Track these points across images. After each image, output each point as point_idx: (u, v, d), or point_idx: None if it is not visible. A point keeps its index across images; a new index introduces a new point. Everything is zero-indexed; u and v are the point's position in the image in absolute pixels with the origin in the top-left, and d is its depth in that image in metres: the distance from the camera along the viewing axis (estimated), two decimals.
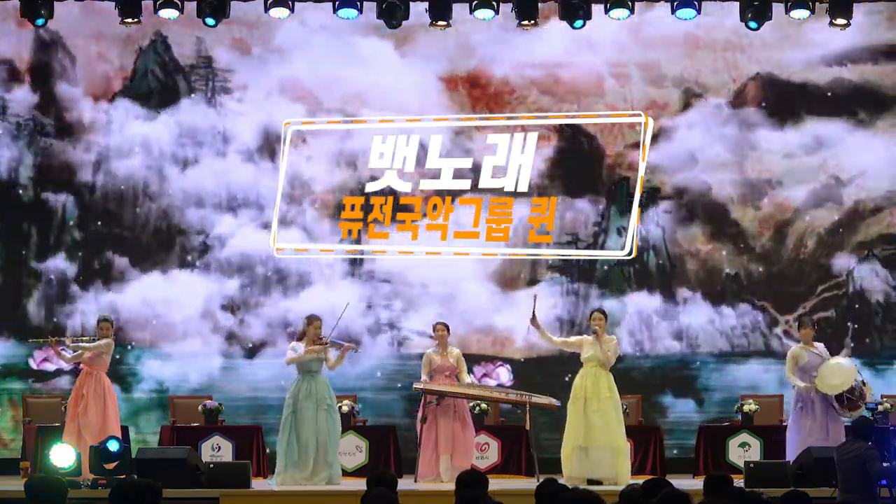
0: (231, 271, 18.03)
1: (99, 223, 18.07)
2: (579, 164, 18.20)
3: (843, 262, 18.11)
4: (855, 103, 18.13)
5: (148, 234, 18.12)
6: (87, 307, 17.80)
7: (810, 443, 14.68)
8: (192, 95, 18.15)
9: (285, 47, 18.07)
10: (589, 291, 18.06)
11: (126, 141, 18.09)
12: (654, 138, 18.06)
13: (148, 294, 17.93)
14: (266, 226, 18.05)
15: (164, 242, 18.10)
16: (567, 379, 15.75)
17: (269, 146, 18.13)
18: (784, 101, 18.14)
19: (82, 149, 18.06)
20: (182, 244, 18.09)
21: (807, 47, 18.06)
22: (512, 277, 18.10)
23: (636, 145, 18.17)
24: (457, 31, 17.65)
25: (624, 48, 18.02)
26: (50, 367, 17.66)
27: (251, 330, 17.97)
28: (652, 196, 18.11)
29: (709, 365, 17.98)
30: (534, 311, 15.06)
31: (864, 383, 14.99)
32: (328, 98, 18.08)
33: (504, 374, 17.73)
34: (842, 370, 14.85)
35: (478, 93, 18.21)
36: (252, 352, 17.89)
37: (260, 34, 18.07)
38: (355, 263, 18.07)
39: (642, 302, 18.03)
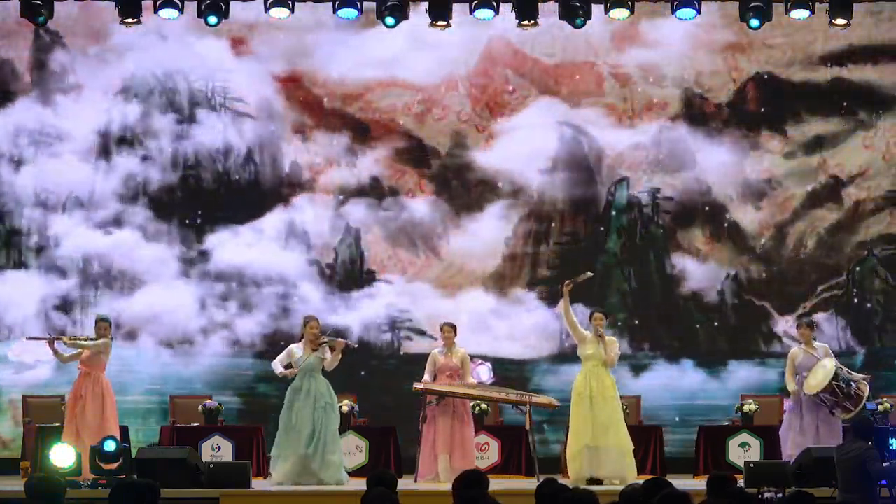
0: (66, 271, 17.98)
1: None
2: (579, 164, 18.20)
3: (843, 262, 18.12)
4: (855, 103, 18.13)
5: None
6: None
7: (800, 442, 14.71)
8: (29, 94, 18.09)
9: (121, 48, 18.03)
10: (422, 291, 18.04)
11: None
12: (495, 138, 18.01)
13: None
14: (101, 225, 18.03)
15: None
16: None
17: (104, 146, 18.09)
18: (784, 101, 18.14)
19: None
20: (16, 244, 18.02)
21: (807, 47, 18.06)
22: (349, 278, 18.07)
23: (636, 145, 18.18)
24: (294, 31, 17.67)
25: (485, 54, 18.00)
26: (28, 359, 17.65)
27: (86, 330, 17.90)
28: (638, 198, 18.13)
29: (541, 366, 17.96)
30: (576, 281, 14.94)
31: (856, 382, 14.88)
32: (164, 98, 18.05)
33: (484, 373, 17.71)
34: (822, 370, 14.84)
35: (317, 91, 18.17)
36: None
37: (96, 34, 17.98)
38: (190, 263, 18.06)
39: (476, 301, 18.02)
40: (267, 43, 18.03)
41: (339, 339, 15.00)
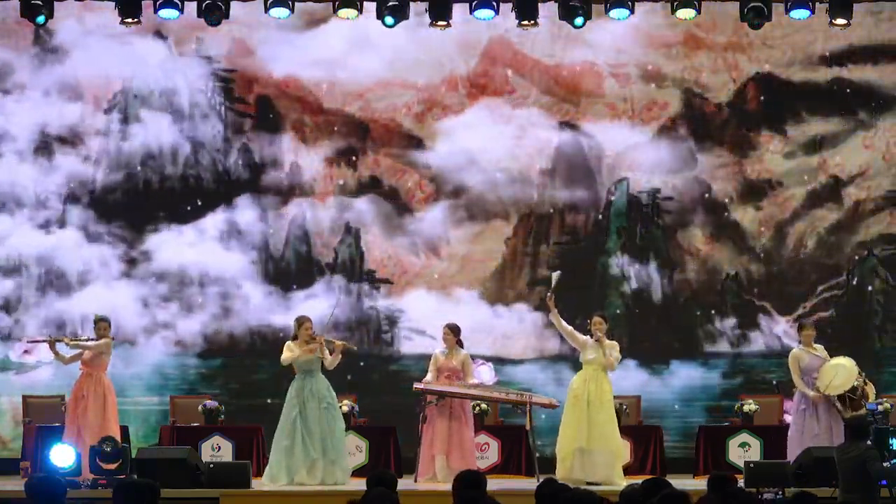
0: (7, 271, 17.95)
1: None
2: (579, 164, 18.20)
3: (843, 262, 18.11)
4: (855, 103, 18.13)
5: None
6: None
7: (813, 442, 14.66)
8: None
9: (63, 47, 18.01)
10: (364, 291, 18.04)
11: None
12: (438, 138, 18.03)
13: None
14: (42, 225, 17.99)
15: None
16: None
17: (46, 146, 18.07)
18: (784, 101, 18.14)
19: None
20: None
21: (807, 47, 18.06)
22: (289, 278, 18.07)
23: (636, 145, 18.19)
24: (236, 31, 17.67)
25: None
26: (30, 359, 17.65)
27: (27, 330, 17.90)
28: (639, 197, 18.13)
29: (541, 366, 17.97)
30: (552, 291, 14.98)
31: (865, 382, 14.96)
32: (105, 98, 18.04)
33: (486, 374, 17.72)
34: (843, 370, 14.83)
35: (260, 91, 18.15)
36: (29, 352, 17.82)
37: (39, 33, 17.93)
38: (132, 263, 18.04)
39: (417, 301, 18.01)
40: (209, 43, 17.99)
41: (339, 341, 15.01)
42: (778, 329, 18.02)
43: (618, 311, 17.91)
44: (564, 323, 15.09)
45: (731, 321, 17.95)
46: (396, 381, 17.71)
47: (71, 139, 18.04)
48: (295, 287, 18.04)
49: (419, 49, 17.98)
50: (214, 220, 18.05)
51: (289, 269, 18.10)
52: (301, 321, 14.95)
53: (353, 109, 18.16)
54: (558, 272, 15.26)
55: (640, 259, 18.15)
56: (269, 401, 16.49)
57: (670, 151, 18.21)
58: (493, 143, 18.16)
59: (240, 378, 17.94)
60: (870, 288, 18.11)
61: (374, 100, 18.13)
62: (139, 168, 18.06)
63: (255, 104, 18.20)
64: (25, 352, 17.57)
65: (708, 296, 18.13)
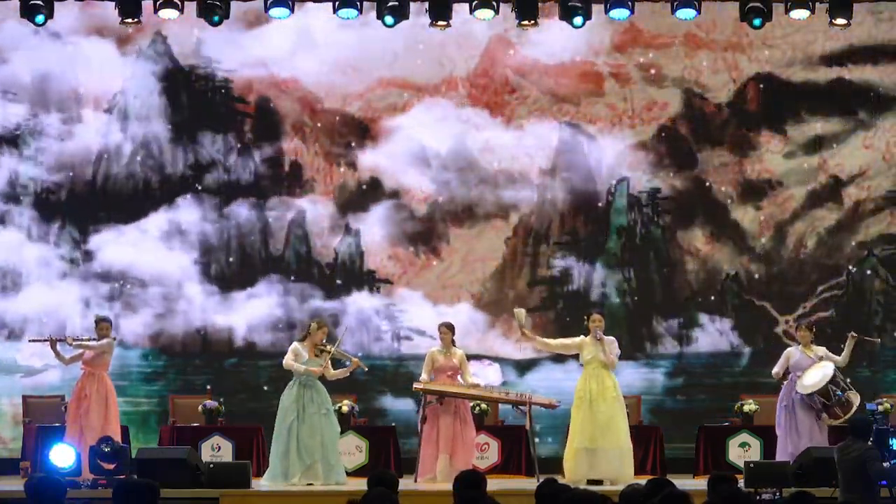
0: None
1: None
2: (579, 164, 18.21)
3: (843, 262, 18.11)
4: (855, 103, 18.13)
5: None
6: None
7: (795, 441, 14.71)
8: None
9: (8, 46, 17.96)
10: (310, 292, 18.03)
11: None
12: (381, 137, 18.03)
13: None
14: None
15: None
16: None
17: None
18: (784, 101, 18.14)
19: None
20: None
21: (807, 47, 18.06)
22: (231, 278, 18.05)
23: (636, 145, 18.19)
24: (180, 30, 17.66)
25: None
26: (38, 363, 17.63)
27: None
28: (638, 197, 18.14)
29: (540, 366, 17.98)
30: (521, 327, 15.08)
31: (848, 389, 14.84)
32: (48, 98, 18.00)
33: (493, 375, 17.74)
34: (819, 373, 14.82)
35: (203, 90, 18.14)
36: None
37: None
38: (74, 263, 18.02)
39: (362, 301, 18.00)
40: (152, 42, 17.98)
41: (355, 359, 14.96)
42: (778, 330, 18.02)
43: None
44: (550, 341, 15.25)
45: (673, 322, 17.94)
46: (396, 381, 17.72)
47: (13, 139, 17.98)
48: (235, 287, 18.00)
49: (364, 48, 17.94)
50: (157, 221, 18.01)
51: (232, 269, 18.06)
52: (320, 325, 14.89)
53: (569, 110, 18.12)
54: (521, 310, 15.28)
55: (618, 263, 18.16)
56: (210, 400, 16.43)
57: (670, 151, 18.20)
58: (494, 143, 18.17)
59: (182, 377, 17.92)
60: (870, 288, 18.10)
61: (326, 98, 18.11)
62: (82, 168, 18.00)
63: (199, 104, 18.15)
64: (33, 354, 17.53)
65: (708, 296, 18.13)
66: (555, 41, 18.04)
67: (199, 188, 18.07)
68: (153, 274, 17.97)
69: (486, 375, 17.63)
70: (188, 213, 18.06)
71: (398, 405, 17.72)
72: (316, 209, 18.11)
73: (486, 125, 18.18)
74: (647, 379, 17.87)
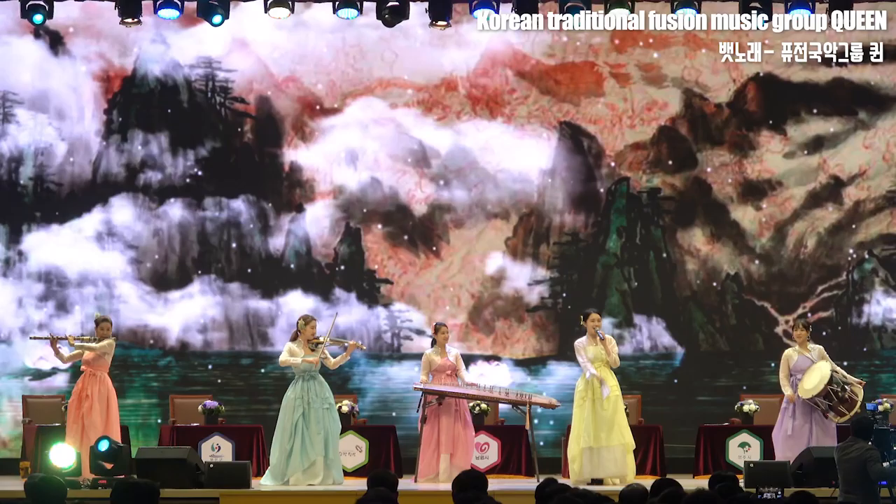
0: None
1: None
2: (579, 164, 18.21)
3: (843, 262, 18.11)
4: (855, 103, 18.13)
5: None
6: None
7: (791, 444, 14.70)
8: None
9: None
10: (244, 291, 18.02)
11: None
12: (314, 136, 18.04)
13: None
14: None
15: None
16: None
17: None
18: (784, 101, 18.14)
19: None
20: None
21: (807, 47, 18.06)
22: (166, 278, 18.06)
23: (636, 145, 18.20)
24: (111, 30, 17.61)
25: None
26: (46, 365, 17.62)
27: None
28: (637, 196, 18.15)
29: (360, 365, 17.98)
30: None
31: (850, 385, 14.82)
32: None
33: (501, 374, 17.73)
34: (816, 373, 14.80)
35: (136, 91, 18.13)
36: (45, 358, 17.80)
37: None
38: (7, 263, 17.98)
39: (296, 302, 18.01)
40: (85, 42, 17.95)
41: (350, 342, 14.98)
42: (778, 330, 18.03)
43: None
44: (589, 364, 15.00)
45: (607, 321, 17.93)
46: (396, 381, 17.73)
47: None
48: (171, 286, 17.99)
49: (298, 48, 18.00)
50: (91, 221, 17.99)
51: (166, 269, 18.05)
52: (307, 320, 14.95)
53: (569, 110, 18.11)
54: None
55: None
56: (142, 400, 16.40)
57: (670, 151, 18.21)
58: (493, 143, 18.18)
59: (115, 377, 17.90)
60: (870, 288, 18.09)
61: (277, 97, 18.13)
62: (14, 168, 17.98)
63: (130, 104, 18.13)
64: (41, 358, 17.52)
65: (708, 296, 18.14)
66: (556, 41, 18.06)
67: (134, 188, 18.03)
68: (87, 274, 17.94)
69: (494, 375, 17.66)
70: (122, 213, 18.03)
71: (398, 405, 17.73)
72: (250, 209, 18.08)
73: (486, 125, 18.18)
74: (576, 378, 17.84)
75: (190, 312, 17.21)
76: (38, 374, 17.81)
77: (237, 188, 18.14)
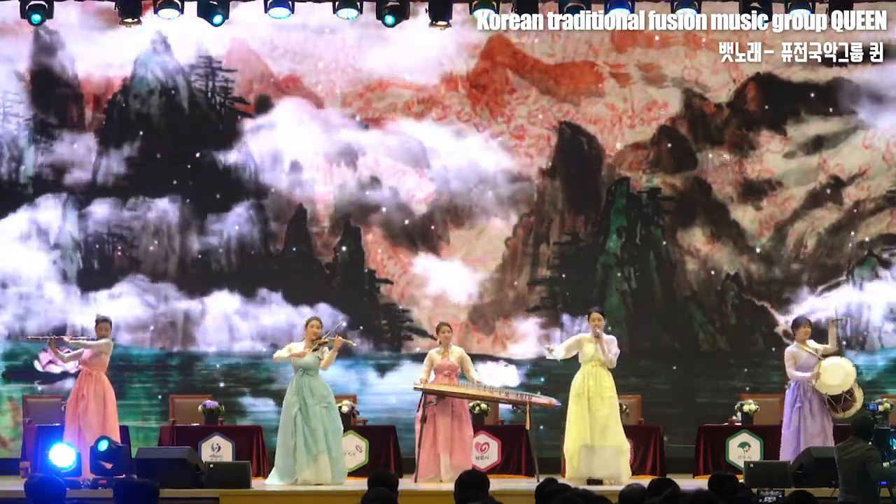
0: None
1: None
2: (579, 164, 18.21)
3: (843, 262, 18.11)
4: (855, 103, 18.12)
5: None
6: None
7: (803, 442, 14.69)
8: None
9: None
10: (168, 292, 18.00)
11: None
12: (314, 136, 18.05)
13: None
14: None
15: None
16: None
17: None
18: (784, 101, 18.14)
19: None
20: None
21: (807, 47, 18.05)
22: (92, 278, 18.00)
23: (636, 145, 18.20)
24: (39, 30, 17.59)
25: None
26: (56, 369, 17.58)
27: None
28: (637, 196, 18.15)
29: (360, 365, 17.97)
30: (548, 348, 15.27)
31: (857, 385, 14.95)
32: None
33: (511, 375, 17.75)
34: (842, 371, 14.83)
35: (62, 91, 18.08)
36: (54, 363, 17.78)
37: None
38: None
39: (222, 302, 18.01)
40: (12, 41, 17.91)
41: (338, 337, 15.01)
42: (778, 330, 18.03)
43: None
44: (562, 348, 15.17)
45: (532, 321, 17.90)
46: (396, 381, 17.72)
47: None
48: (97, 287, 17.94)
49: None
50: (16, 221, 17.94)
51: (92, 269, 18.01)
52: (309, 320, 15.05)
53: (569, 110, 18.10)
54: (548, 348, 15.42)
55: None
56: (64, 400, 16.38)
57: (670, 151, 18.20)
58: (492, 143, 18.18)
59: (41, 377, 17.88)
60: (869, 288, 18.09)
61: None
62: None
63: (58, 103, 18.08)
64: (50, 362, 17.49)
65: (708, 296, 18.14)
66: (555, 41, 18.06)
67: (59, 188, 17.97)
68: (11, 274, 17.90)
69: (503, 376, 17.66)
70: (48, 213, 17.97)
71: (258, 405, 17.72)
72: (175, 208, 18.08)
73: (486, 125, 18.18)
74: (506, 378, 17.84)
75: (115, 313, 17.12)
76: (48, 379, 17.77)
77: (161, 188, 17.99)
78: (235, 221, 18.09)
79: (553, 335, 17.83)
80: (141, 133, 18.11)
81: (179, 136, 18.15)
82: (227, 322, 17.96)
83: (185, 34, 17.92)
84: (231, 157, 18.11)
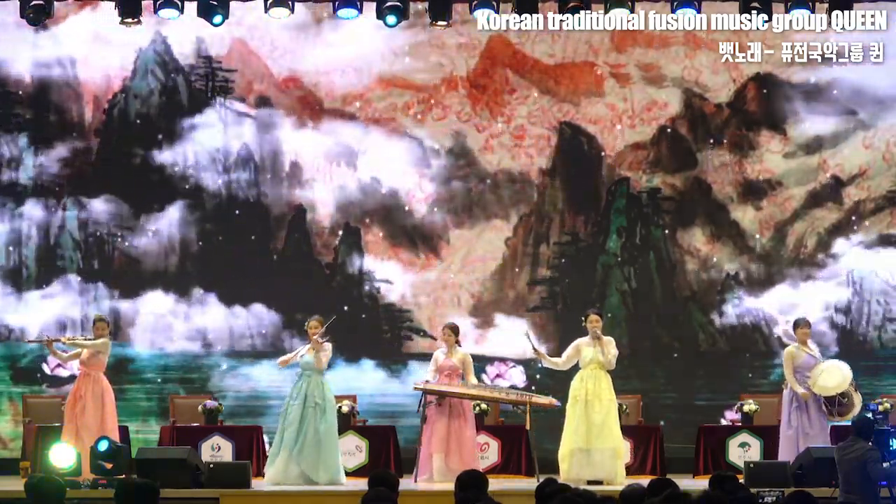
0: None
1: None
2: (579, 164, 18.22)
3: (843, 262, 18.11)
4: (855, 103, 18.13)
5: None
6: None
7: (803, 442, 14.69)
8: None
9: None
10: (101, 292, 17.99)
11: None
12: (314, 136, 18.06)
13: None
14: None
15: None
16: None
17: None
18: (784, 101, 18.14)
19: None
20: None
21: (806, 47, 18.05)
22: (25, 278, 17.96)
23: (636, 145, 18.20)
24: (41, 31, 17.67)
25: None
26: (64, 372, 17.56)
27: None
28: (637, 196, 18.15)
29: (221, 366, 17.97)
30: (533, 347, 15.20)
31: (855, 389, 14.92)
32: None
33: (517, 376, 17.76)
34: (838, 373, 14.82)
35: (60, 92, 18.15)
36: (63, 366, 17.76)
37: None
38: None
39: (157, 301, 18.01)
40: (13, 41, 17.90)
41: (315, 339, 14.88)
42: (778, 330, 18.03)
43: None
44: (556, 359, 15.22)
45: (468, 321, 17.90)
46: (396, 381, 17.72)
47: None
48: (31, 286, 17.93)
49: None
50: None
51: (26, 269, 17.98)
52: (308, 321, 15.01)
53: (569, 110, 18.11)
54: (527, 332, 15.43)
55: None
56: (210, 400, 16.42)
57: (670, 151, 18.21)
58: (493, 143, 18.19)
59: (49, 380, 17.87)
60: (869, 288, 18.09)
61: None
62: None
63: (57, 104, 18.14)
64: (59, 365, 17.46)
65: (708, 296, 18.14)
66: (555, 41, 18.07)
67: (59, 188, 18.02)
68: None
69: (510, 377, 17.67)
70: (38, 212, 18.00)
71: (398, 405, 17.73)
72: (110, 208, 18.06)
73: (486, 125, 18.19)
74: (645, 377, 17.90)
75: (49, 312, 17.10)
76: (56, 382, 17.76)
77: (95, 189, 17.98)
78: (309, 220, 18.06)
79: (553, 335, 17.84)
80: (71, 136, 18.05)
81: (114, 135, 18.10)
82: (423, 322, 17.91)
83: (185, 34, 17.93)
84: (231, 157, 18.10)
